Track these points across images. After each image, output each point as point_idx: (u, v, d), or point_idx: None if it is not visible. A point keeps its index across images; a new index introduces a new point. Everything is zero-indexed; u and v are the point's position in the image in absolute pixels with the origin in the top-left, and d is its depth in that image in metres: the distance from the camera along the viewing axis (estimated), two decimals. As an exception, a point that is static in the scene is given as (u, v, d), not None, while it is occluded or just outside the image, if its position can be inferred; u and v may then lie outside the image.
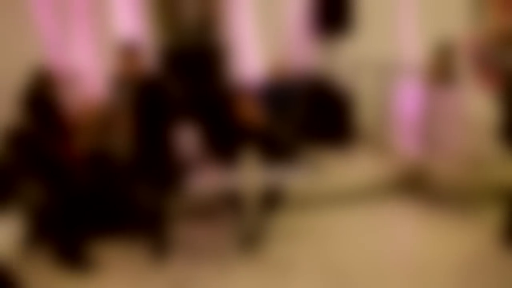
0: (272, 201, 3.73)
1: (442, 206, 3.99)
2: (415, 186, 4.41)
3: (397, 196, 4.32)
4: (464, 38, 3.62)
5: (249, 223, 3.50)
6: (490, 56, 3.20)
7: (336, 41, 5.32)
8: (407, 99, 4.97)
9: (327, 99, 5.20)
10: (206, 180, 3.48)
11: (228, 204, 3.67)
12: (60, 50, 4.73)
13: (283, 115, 4.61)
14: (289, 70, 5.01)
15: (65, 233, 3.25)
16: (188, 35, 5.53)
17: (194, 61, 5.27)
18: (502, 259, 3.13)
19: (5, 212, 2.58)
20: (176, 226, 3.62)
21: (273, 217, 3.81)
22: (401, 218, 4.01)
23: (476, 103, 3.85)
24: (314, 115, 4.98)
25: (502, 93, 3.08)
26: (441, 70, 4.21)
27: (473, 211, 3.73)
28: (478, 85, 3.43)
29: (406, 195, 4.33)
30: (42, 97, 3.50)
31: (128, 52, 3.76)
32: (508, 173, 3.28)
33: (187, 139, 4.45)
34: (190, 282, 3.11)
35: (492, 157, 3.40)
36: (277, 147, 3.97)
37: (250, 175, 3.41)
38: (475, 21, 4.66)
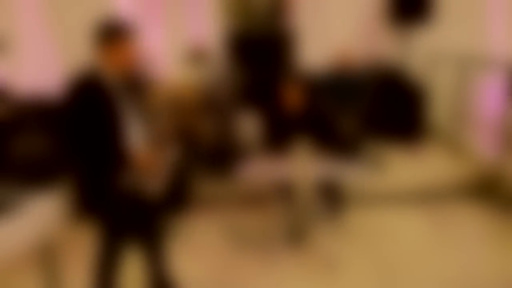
0: (329, 195, 3.60)
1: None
2: (489, 191, 4.00)
3: (466, 201, 3.96)
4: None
5: (299, 215, 3.40)
6: None
7: (413, 30, 4.98)
8: (490, 97, 4.52)
9: (398, 91, 4.90)
10: (260, 169, 3.42)
11: (281, 195, 3.60)
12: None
13: (348, 107, 4.42)
14: (358, 60, 4.78)
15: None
16: (258, 22, 5.48)
17: (261, 48, 5.22)
18: None
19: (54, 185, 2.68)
20: (226, 213, 3.63)
21: (328, 211, 3.68)
22: (467, 224, 3.66)
23: None
24: (383, 108, 4.72)
25: None
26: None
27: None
28: None
29: (477, 201, 3.95)
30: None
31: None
32: None
33: (247, 125, 4.44)
34: (237, 269, 3.09)
35: None
36: (339, 140, 3.81)
37: (304, 166, 3.30)
38: None
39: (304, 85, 3.64)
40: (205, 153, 4.33)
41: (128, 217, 2.44)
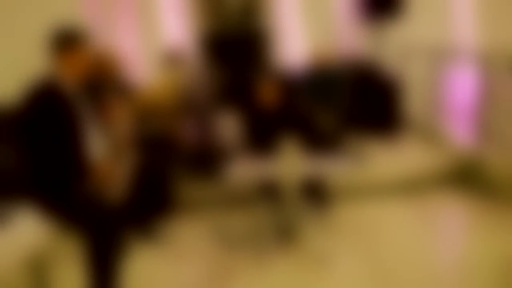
0: (314, 191, 3.62)
1: (497, 201, 3.70)
2: (468, 179, 4.12)
3: (447, 189, 4.06)
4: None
5: (287, 213, 3.40)
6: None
7: (385, 26, 5.07)
8: (461, 87, 4.65)
9: (374, 86, 4.98)
10: (244, 169, 3.40)
11: (267, 194, 3.59)
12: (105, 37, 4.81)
13: (326, 103, 4.45)
14: (334, 57, 4.83)
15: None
16: (232, 21, 5.47)
17: (237, 47, 5.21)
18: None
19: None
20: (214, 216, 3.59)
21: (314, 208, 3.70)
22: (450, 212, 3.76)
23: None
24: (360, 103, 4.79)
25: None
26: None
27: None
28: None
29: (458, 188, 4.06)
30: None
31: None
32: None
33: (227, 126, 4.41)
34: (228, 271, 3.07)
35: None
36: (319, 136, 3.83)
37: (288, 165, 3.30)
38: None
39: (282, 83, 3.65)
40: (187, 156, 4.29)
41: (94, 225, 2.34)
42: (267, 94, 3.59)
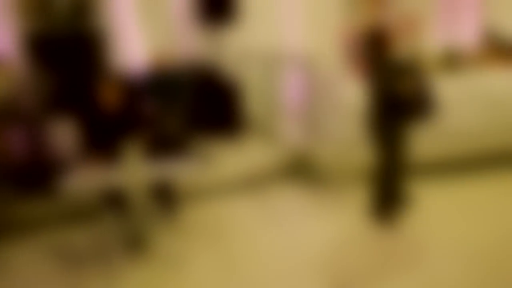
0: (162, 196, 3.56)
1: (326, 189, 4.17)
2: (301, 171, 4.54)
3: (286, 182, 4.41)
4: (343, 30, 3.80)
5: (136, 221, 3.27)
6: (361, 49, 3.40)
7: (222, 31, 5.26)
8: (292, 88, 5.10)
9: (214, 89, 5.12)
10: (84, 179, 3.17)
11: (112, 203, 3.41)
12: None
13: (169, 106, 4.43)
14: (174, 59, 4.83)
15: None
16: (61, 21, 5.03)
17: (68, 50, 4.80)
18: (373, 233, 3.34)
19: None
20: (53, 234, 3.26)
21: (164, 212, 3.64)
22: (289, 204, 4.09)
23: (351, 92, 4.06)
24: (202, 105, 4.88)
25: (368, 84, 3.32)
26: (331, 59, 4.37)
27: (350, 191, 3.94)
28: (353, 75, 3.62)
29: (294, 181, 4.44)
30: None
31: None
32: (371, 154, 3.49)
33: (63, 134, 4.05)
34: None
35: (362, 141, 3.60)
36: (164, 140, 3.79)
37: (134, 170, 3.19)
38: (352, 14, 4.94)
39: (122, 85, 3.51)
40: (16, 171, 3.80)
41: None
42: (107, 98, 3.41)
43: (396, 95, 3.19)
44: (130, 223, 3.30)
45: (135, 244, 3.28)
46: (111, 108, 3.42)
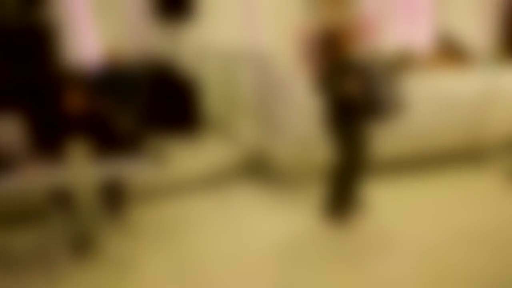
0: (111, 196, 3.44)
1: (281, 188, 4.17)
2: (258, 169, 4.52)
3: (243, 181, 4.38)
4: (300, 28, 3.80)
5: (83, 222, 3.14)
6: (313, 48, 3.41)
7: (180, 27, 5.17)
8: (250, 87, 5.06)
9: (171, 86, 5.02)
10: (29, 178, 3.02)
11: (58, 203, 3.26)
12: None
13: (123, 103, 4.29)
14: (128, 55, 4.69)
15: None
16: (8, 12, 4.79)
17: (15, 42, 4.58)
18: (328, 231, 3.36)
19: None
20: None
21: (114, 213, 3.52)
22: (245, 203, 4.05)
23: (308, 91, 4.08)
24: (158, 103, 4.76)
25: (320, 84, 3.33)
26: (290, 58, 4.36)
27: (306, 190, 3.95)
28: (309, 74, 3.62)
29: (251, 180, 4.41)
30: None
31: None
32: (328, 153, 3.51)
33: (7, 130, 3.85)
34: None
35: (319, 140, 3.61)
36: (117, 138, 3.66)
37: (82, 169, 3.06)
38: (311, 13, 4.96)
39: (74, 81, 3.37)
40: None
41: None
42: (62, 96, 3.26)
43: (346, 96, 3.21)
44: (76, 224, 3.17)
45: (82, 246, 3.14)
46: (62, 106, 3.28)
